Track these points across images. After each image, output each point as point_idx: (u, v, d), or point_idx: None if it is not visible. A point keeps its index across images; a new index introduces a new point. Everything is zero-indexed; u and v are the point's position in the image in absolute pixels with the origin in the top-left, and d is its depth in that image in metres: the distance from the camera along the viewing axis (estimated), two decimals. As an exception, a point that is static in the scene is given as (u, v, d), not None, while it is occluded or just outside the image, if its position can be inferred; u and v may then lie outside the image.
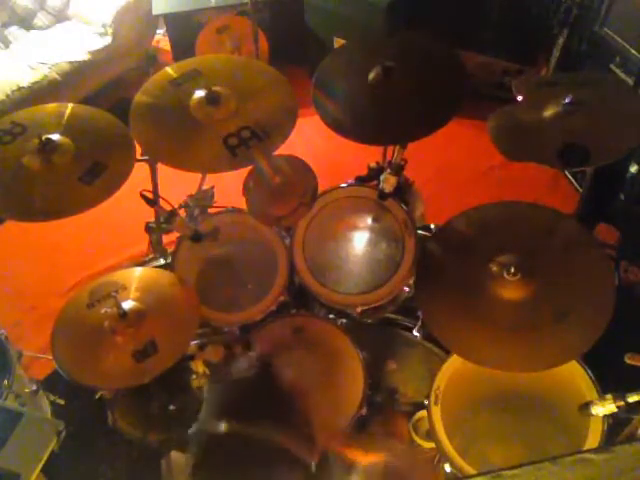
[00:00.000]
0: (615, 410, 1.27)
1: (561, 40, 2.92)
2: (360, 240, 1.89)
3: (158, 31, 3.96)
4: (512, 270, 1.47)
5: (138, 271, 1.74)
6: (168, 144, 1.59)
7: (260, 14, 3.07)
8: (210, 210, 1.92)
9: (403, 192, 1.91)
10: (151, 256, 2.15)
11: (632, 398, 1.25)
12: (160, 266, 1.95)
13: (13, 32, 3.53)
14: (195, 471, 1.59)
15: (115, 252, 2.76)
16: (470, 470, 1.49)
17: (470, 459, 1.52)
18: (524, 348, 1.45)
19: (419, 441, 1.75)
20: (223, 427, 1.63)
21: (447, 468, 1.53)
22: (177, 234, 1.83)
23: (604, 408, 1.28)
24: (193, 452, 1.64)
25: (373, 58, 1.72)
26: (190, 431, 1.66)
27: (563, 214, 1.68)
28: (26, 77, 3.19)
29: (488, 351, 1.47)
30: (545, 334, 1.45)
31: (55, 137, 1.53)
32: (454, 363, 1.64)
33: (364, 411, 1.72)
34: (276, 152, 1.59)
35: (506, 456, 1.68)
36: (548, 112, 1.58)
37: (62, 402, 2.05)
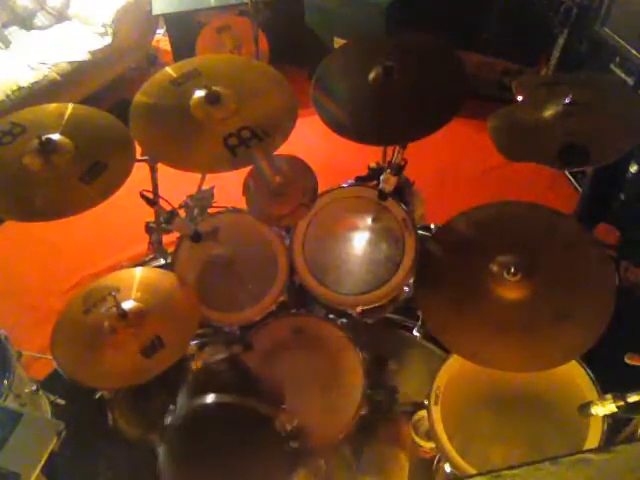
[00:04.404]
0: (615, 410, 1.27)
1: (561, 40, 2.91)
2: (360, 240, 1.89)
3: (158, 31, 3.96)
4: (512, 270, 1.47)
5: (138, 271, 1.75)
6: (168, 144, 1.58)
7: (260, 14, 3.07)
8: (210, 210, 1.92)
9: (403, 192, 1.91)
10: (151, 256, 2.15)
11: (632, 398, 1.24)
12: (160, 266, 1.95)
13: (13, 32, 3.53)
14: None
15: (115, 252, 2.76)
16: (470, 470, 1.49)
17: (470, 459, 1.52)
18: (524, 348, 1.45)
19: (419, 441, 1.75)
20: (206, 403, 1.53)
21: (447, 468, 1.53)
22: (177, 234, 1.83)
23: (604, 408, 1.28)
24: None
25: (373, 58, 1.72)
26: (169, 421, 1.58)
27: (563, 214, 1.68)
28: (26, 77, 3.19)
29: (488, 351, 1.47)
30: (545, 334, 1.45)
31: (55, 137, 1.53)
32: (454, 363, 1.64)
33: (364, 411, 1.72)
34: (276, 152, 1.59)
35: (506, 456, 1.68)
36: (548, 112, 1.58)
37: (62, 402, 2.05)
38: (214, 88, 1.60)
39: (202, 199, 1.88)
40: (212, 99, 1.59)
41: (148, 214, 1.79)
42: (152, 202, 1.67)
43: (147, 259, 2.22)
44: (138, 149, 1.59)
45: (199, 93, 1.61)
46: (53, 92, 3.24)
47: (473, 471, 1.50)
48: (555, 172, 2.97)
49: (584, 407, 1.32)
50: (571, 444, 1.57)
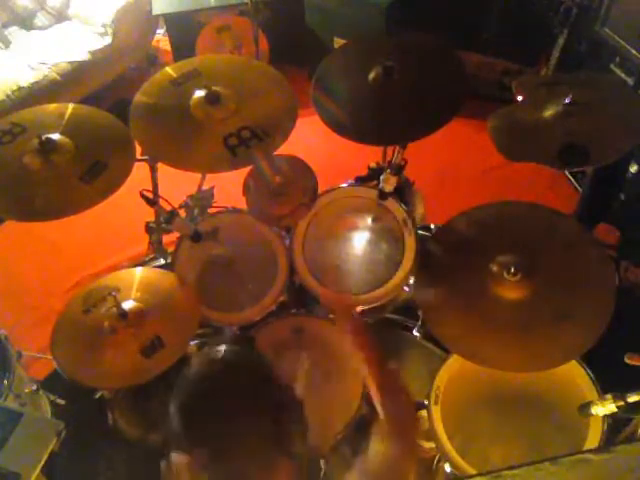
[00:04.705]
0: (615, 410, 1.27)
1: (561, 40, 2.91)
2: (360, 240, 1.89)
3: (158, 31, 3.96)
4: (512, 270, 1.47)
5: (138, 271, 1.75)
6: (168, 144, 1.59)
7: (260, 14, 3.07)
8: (210, 210, 1.92)
9: (403, 192, 1.91)
10: (151, 256, 2.15)
11: (632, 398, 1.24)
12: (160, 266, 1.95)
13: (13, 32, 3.53)
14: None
15: (115, 252, 2.76)
16: (470, 470, 1.49)
17: (470, 459, 1.52)
18: (524, 348, 1.45)
19: (419, 441, 1.75)
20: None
21: (447, 468, 1.53)
22: (177, 234, 1.83)
23: (604, 408, 1.28)
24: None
25: (373, 58, 1.72)
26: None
27: (563, 214, 1.68)
28: (26, 77, 3.20)
29: (488, 351, 1.47)
30: (545, 334, 1.45)
31: (55, 137, 1.53)
32: (454, 363, 1.64)
33: (364, 411, 1.72)
34: (276, 152, 1.59)
35: (506, 456, 1.67)
36: (548, 112, 1.58)
37: (62, 402, 2.05)
38: (214, 88, 1.60)
39: (202, 199, 1.88)
40: (212, 99, 1.59)
41: (148, 214, 1.79)
42: (152, 202, 1.67)
43: (147, 259, 2.22)
44: (138, 149, 1.59)
45: (199, 93, 1.61)
46: (53, 92, 3.24)
47: (473, 471, 1.49)
48: (555, 172, 2.97)
49: (584, 407, 1.32)
50: (571, 444, 1.57)
